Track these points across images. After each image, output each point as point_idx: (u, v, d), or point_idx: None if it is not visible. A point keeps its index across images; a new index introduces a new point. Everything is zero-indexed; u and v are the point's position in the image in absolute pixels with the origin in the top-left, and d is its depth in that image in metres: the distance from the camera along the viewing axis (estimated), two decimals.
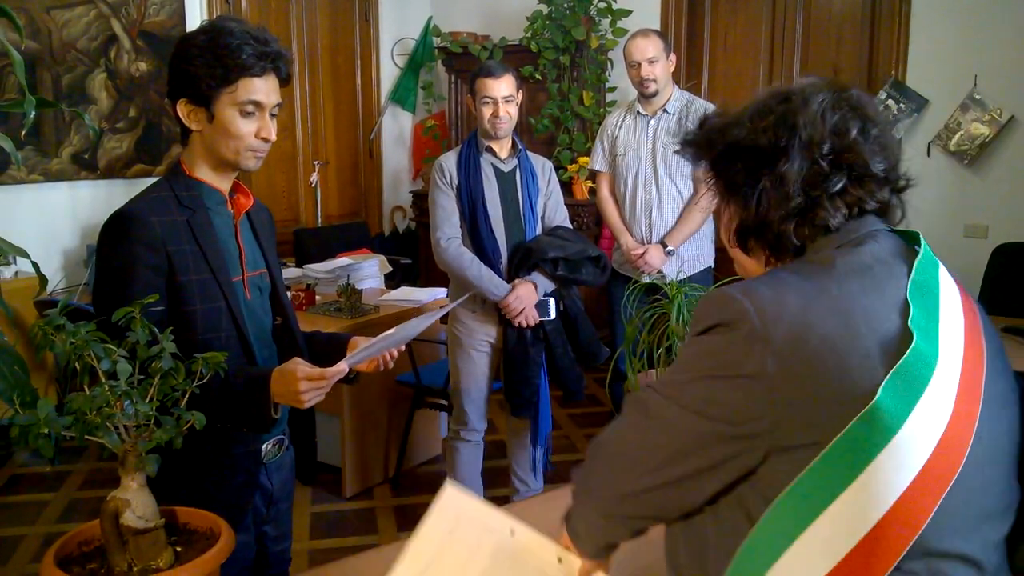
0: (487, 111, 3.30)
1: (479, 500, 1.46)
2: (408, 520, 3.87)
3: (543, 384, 3.53)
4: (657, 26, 5.64)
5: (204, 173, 1.81)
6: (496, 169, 3.40)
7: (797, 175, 1.11)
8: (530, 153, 3.51)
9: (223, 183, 1.84)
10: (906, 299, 1.07)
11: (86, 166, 5.15)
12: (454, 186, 3.38)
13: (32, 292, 4.20)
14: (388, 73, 7.00)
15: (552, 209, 3.49)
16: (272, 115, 1.78)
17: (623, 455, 1.19)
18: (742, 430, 1.05)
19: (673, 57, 3.80)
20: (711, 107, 3.81)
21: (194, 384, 1.41)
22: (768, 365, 1.02)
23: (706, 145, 1.22)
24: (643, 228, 3.87)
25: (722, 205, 1.23)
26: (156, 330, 1.36)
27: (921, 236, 1.16)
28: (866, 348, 1.02)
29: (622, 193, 3.91)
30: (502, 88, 3.27)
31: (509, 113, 3.30)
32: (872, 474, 0.98)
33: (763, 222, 1.14)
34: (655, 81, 3.73)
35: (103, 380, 1.30)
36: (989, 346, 1.12)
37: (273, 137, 1.79)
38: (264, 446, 1.92)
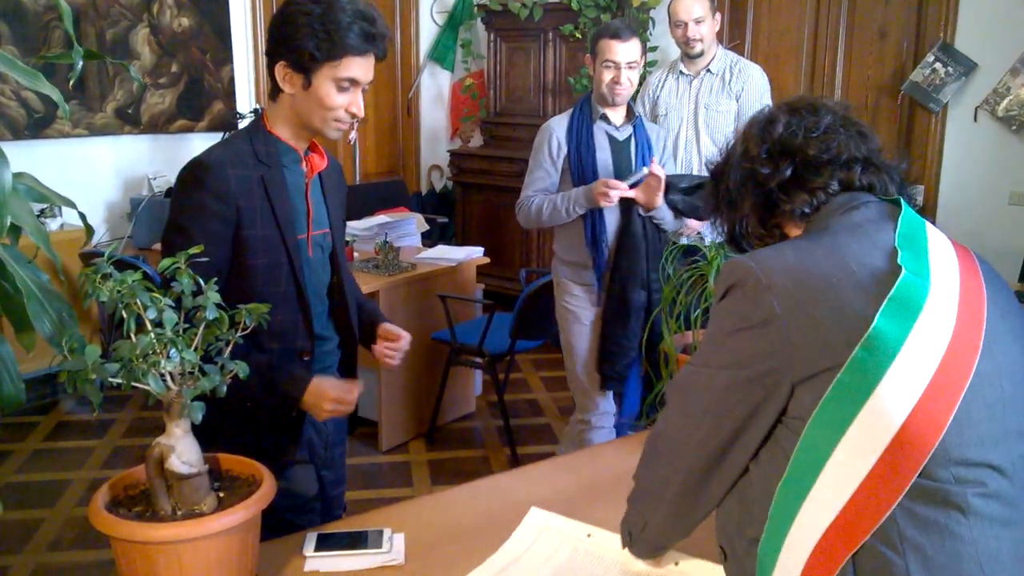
0: (607, 75, 3.10)
1: (558, 515, 1.68)
2: (442, 473, 3.93)
3: (637, 362, 3.26)
4: None
5: (284, 132, 1.87)
6: (611, 137, 3.22)
7: (739, 179, 1.35)
8: (645, 120, 3.35)
9: (300, 143, 1.90)
10: (894, 246, 1.20)
11: (130, 121, 5.20)
12: (561, 156, 3.22)
13: (78, 244, 4.29)
14: (427, 31, 6.97)
15: None
16: (363, 91, 1.84)
17: (676, 436, 1.32)
18: (767, 368, 1.18)
19: (718, 16, 3.73)
20: (757, 68, 3.73)
21: (237, 334, 1.43)
22: (775, 307, 1.16)
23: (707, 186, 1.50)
24: None
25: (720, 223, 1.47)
26: (201, 280, 1.39)
27: (903, 200, 1.29)
28: (859, 281, 1.15)
29: None
30: (628, 53, 3.07)
31: (631, 80, 3.12)
32: (881, 394, 1.09)
33: (733, 224, 1.40)
34: (701, 41, 3.64)
35: (149, 328, 1.33)
36: (993, 284, 1.23)
37: (362, 113, 1.84)
38: None
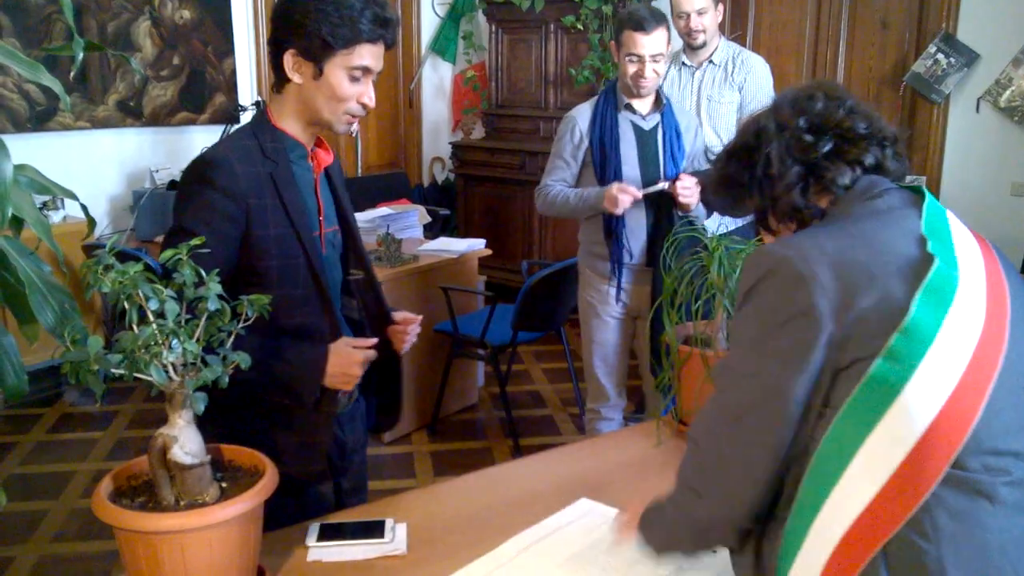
0: (631, 68, 3.02)
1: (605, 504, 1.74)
2: (445, 464, 3.94)
3: None
4: None
5: (290, 125, 1.79)
6: (636, 127, 3.14)
7: (780, 150, 1.30)
8: (675, 107, 3.23)
9: (307, 137, 1.83)
10: (921, 234, 1.20)
11: (131, 113, 5.20)
12: (582, 149, 3.15)
13: (79, 236, 4.29)
14: (429, 23, 6.96)
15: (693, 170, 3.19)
16: (373, 81, 1.77)
17: (737, 452, 1.22)
18: (818, 357, 1.15)
19: (721, 7, 3.71)
20: (760, 59, 3.72)
21: (240, 325, 1.44)
22: (817, 298, 1.14)
23: (715, 165, 1.44)
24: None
25: (747, 205, 1.40)
26: (203, 271, 1.39)
27: (925, 188, 1.29)
28: (897, 269, 1.16)
29: None
30: (653, 45, 2.99)
31: (656, 72, 3.04)
32: (917, 383, 1.09)
33: (772, 199, 1.32)
34: (703, 32, 3.61)
35: (151, 319, 1.33)
36: (1010, 274, 1.24)
37: (373, 104, 1.77)
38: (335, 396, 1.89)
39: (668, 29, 3.08)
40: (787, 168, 1.30)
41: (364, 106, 1.77)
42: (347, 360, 1.77)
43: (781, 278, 1.18)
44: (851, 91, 1.36)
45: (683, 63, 3.74)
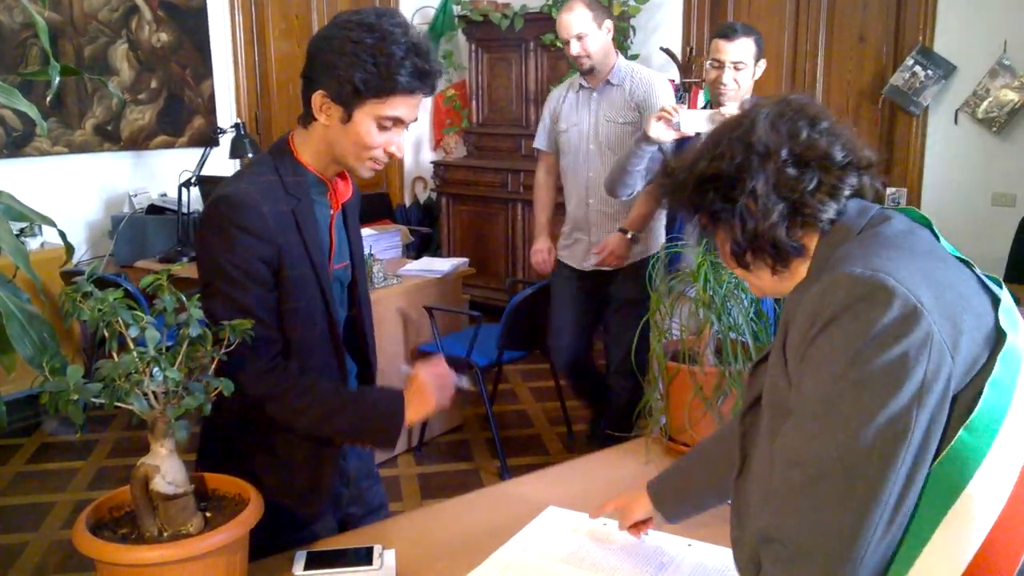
0: (712, 74, 3.12)
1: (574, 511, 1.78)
2: (431, 488, 3.91)
3: None
4: None
5: (313, 162, 1.70)
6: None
7: (766, 185, 1.18)
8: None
9: (329, 173, 1.73)
10: (951, 254, 1.14)
11: (109, 137, 5.16)
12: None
13: (58, 263, 4.23)
14: None
15: None
16: (405, 129, 1.69)
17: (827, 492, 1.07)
18: (932, 398, 1.03)
19: (609, 24, 3.56)
20: (659, 76, 3.65)
21: (221, 351, 1.41)
22: (932, 328, 1.03)
23: (679, 188, 1.28)
24: (585, 207, 3.72)
25: (714, 236, 1.29)
26: (183, 297, 1.37)
27: (916, 210, 1.23)
28: (974, 288, 1.11)
29: (565, 170, 3.77)
30: (735, 52, 3.06)
31: (737, 81, 3.08)
32: (1017, 409, 1.06)
33: (753, 236, 1.20)
34: (588, 57, 3.50)
35: (132, 347, 1.31)
36: None
37: (401, 154, 1.70)
38: None
39: (757, 43, 3.10)
40: (772, 205, 1.18)
41: (390, 155, 1.68)
42: (423, 402, 1.74)
43: (881, 305, 1.04)
44: (830, 104, 1.29)
45: (581, 85, 3.67)
